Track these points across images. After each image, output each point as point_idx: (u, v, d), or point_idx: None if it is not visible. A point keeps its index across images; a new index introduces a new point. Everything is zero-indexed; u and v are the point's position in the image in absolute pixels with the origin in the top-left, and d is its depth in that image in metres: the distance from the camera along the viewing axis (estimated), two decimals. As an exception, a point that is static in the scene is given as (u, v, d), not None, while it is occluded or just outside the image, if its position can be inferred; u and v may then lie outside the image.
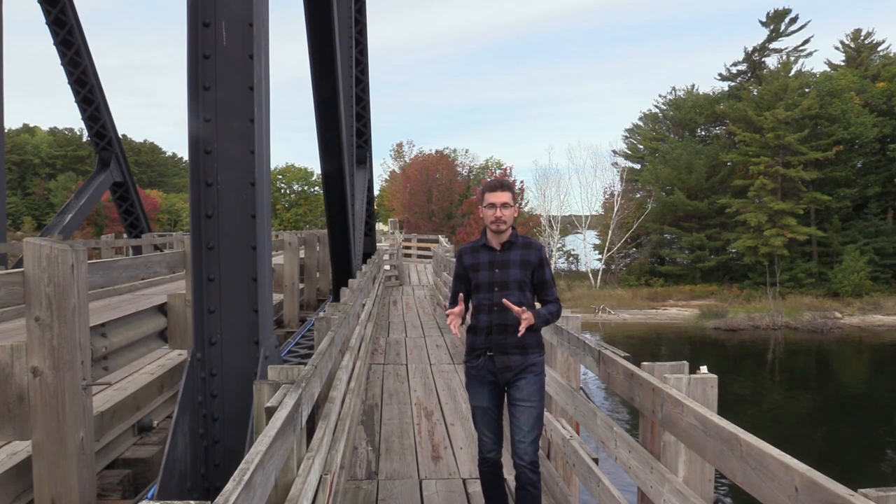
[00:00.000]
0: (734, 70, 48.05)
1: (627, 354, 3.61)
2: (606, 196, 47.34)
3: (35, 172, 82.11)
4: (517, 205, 3.86)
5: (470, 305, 3.82)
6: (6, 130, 19.57)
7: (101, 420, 5.64)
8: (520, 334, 3.54)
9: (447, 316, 3.76)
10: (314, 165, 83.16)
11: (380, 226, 43.52)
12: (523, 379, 3.70)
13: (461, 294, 3.77)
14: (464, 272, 3.82)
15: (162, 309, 6.49)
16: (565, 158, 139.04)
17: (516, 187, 41.24)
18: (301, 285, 14.99)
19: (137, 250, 19.63)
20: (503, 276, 3.67)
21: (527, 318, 3.50)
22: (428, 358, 10.86)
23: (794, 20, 45.20)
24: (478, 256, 3.77)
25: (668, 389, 2.81)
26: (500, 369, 3.69)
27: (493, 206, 3.69)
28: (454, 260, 4.23)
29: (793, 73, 41.36)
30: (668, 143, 47.09)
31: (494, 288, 3.68)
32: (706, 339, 32.50)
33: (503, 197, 3.70)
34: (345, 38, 13.44)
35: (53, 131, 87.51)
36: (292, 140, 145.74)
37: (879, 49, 47.39)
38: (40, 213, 75.93)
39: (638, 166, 49.41)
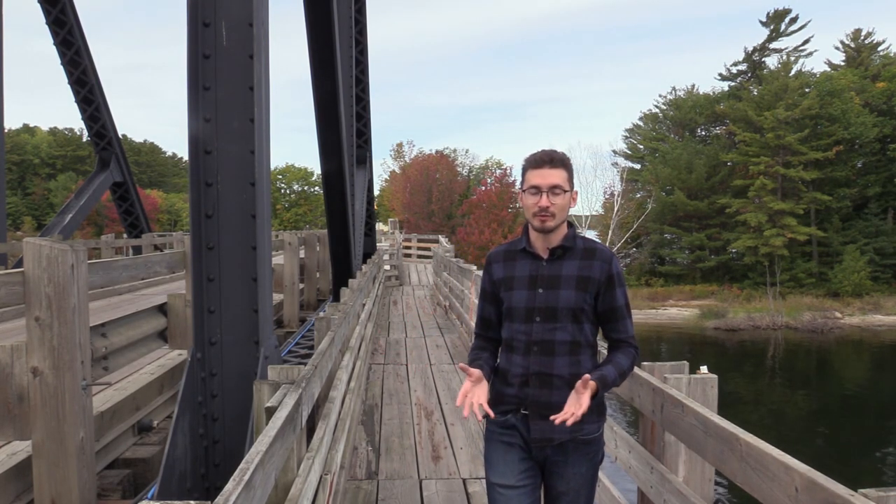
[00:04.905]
0: (734, 70, 48.11)
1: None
2: (606, 196, 47.45)
3: (35, 172, 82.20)
4: (574, 190, 2.45)
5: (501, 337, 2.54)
6: (6, 130, 19.58)
7: (101, 420, 5.65)
8: (563, 421, 2.23)
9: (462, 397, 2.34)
10: (314, 165, 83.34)
11: (380, 226, 43.54)
12: (571, 467, 2.44)
13: (481, 344, 2.54)
14: (492, 289, 2.52)
15: (162, 309, 6.49)
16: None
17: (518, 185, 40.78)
18: (301, 285, 15.00)
19: (137, 250, 19.63)
20: (549, 300, 2.39)
21: (577, 409, 2.23)
22: (428, 358, 10.85)
23: (794, 20, 45.28)
24: (514, 267, 2.47)
25: (669, 389, 2.81)
26: (538, 441, 2.41)
27: (536, 190, 2.36)
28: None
29: (793, 73, 41.40)
30: (668, 143, 47.13)
31: (535, 317, 2.40)
32: (706, 339, 32.51)
33: (553, 176, 2.35)
34: (345, 38, 13.44)
35: (53, 131, 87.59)
36: (292, 140, 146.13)
37: (879, 49, 47.45)
38: (40, 213, 76.01)
39: (638, 166, 49.47)
